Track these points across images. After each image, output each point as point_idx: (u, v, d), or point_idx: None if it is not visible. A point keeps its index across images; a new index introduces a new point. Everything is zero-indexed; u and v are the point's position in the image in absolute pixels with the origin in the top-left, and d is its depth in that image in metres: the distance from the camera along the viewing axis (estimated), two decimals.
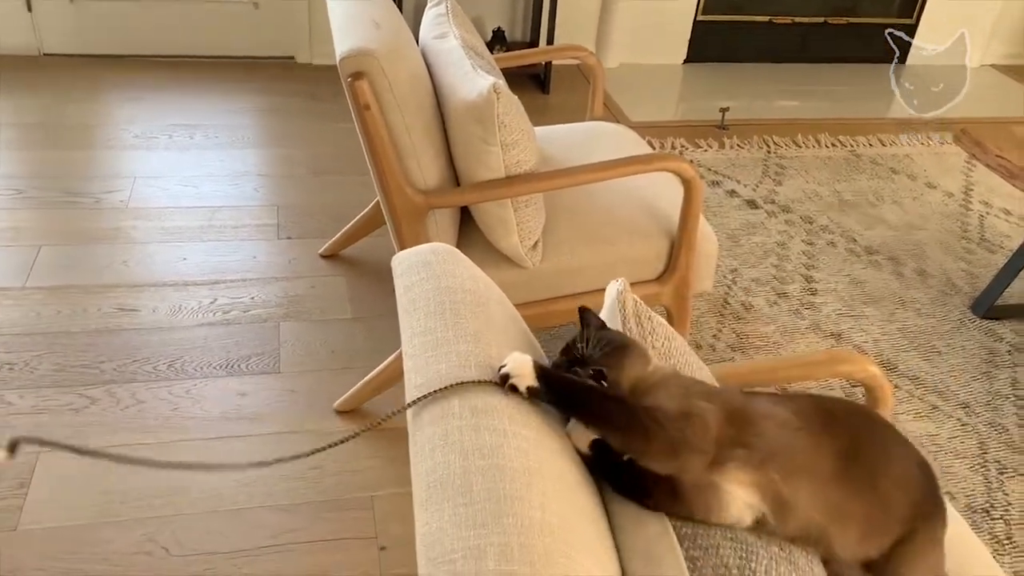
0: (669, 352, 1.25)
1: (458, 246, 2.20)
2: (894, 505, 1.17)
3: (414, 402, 0.92)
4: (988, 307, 2.84)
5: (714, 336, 2.68)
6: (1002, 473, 2.31)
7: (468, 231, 2.20)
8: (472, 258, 2.26)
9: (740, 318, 2.77)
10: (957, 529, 1.49)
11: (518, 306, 2.23)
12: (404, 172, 1.96)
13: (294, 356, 2.44)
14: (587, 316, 1.15)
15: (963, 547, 1.47)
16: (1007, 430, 2.45)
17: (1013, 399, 2.56)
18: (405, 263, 1.16)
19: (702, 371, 1.26)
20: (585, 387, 0.96)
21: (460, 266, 1.16)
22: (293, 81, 4.12)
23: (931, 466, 1.28)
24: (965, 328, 2.81)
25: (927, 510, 1.25)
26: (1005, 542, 2.12)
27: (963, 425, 2.45)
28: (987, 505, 2.22)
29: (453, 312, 1.04)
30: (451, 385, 0.91)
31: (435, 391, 0.91)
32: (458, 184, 2.06)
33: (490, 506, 0.77)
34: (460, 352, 0.97)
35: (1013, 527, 2.17)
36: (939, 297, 2.94)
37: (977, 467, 2.33)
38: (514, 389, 0.93)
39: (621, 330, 1.26)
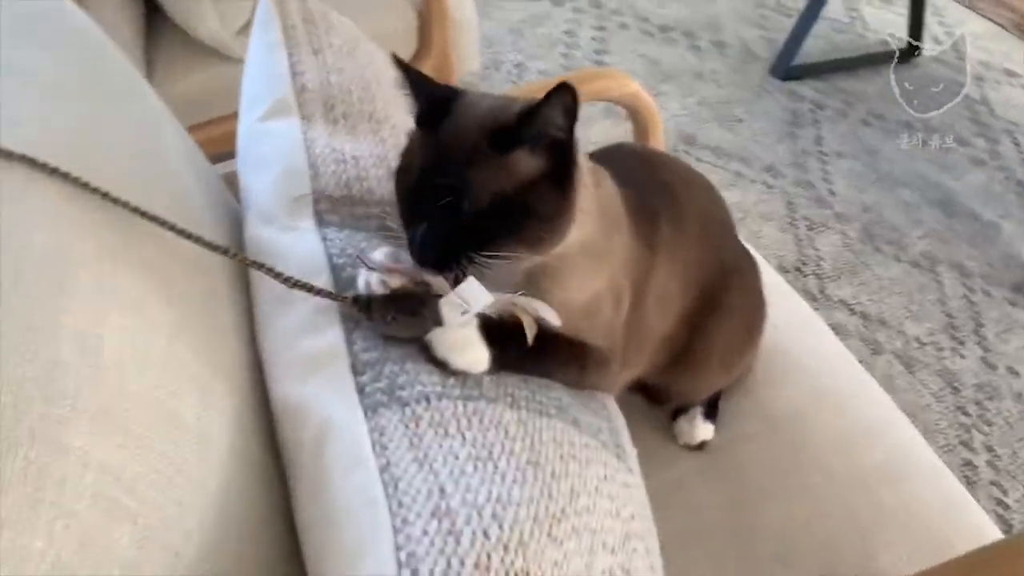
0: (354, 52, 0.92)
1: (148, 47, 1.75)
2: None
3: None
4: (787, 68, 2.65)
5: None
6: (811, 229, 2.17)
7: (159, 24, 1.75)
8: (166, 59, 1.82)
9: None
10: (773, 281, 1.27)
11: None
12: None
13: None
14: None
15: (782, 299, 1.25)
16: (813, 186, 2.29)
17: (817, 155, 2.41)
18: None
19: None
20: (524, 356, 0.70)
21: None
22: None
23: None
24: (766, 93, 2.62)
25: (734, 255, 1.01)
26: (818, 296, 1.98)
27: (769, 188, 2.28)
28: (798, 263, 2.07)
29: None
30: None
31: None
32: None
33: None
34: None
35: (824, 280, 2.03)
36: (738, 66, 2.73)
37: (786, 227, 2.17)
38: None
39: (282, 41, 0.90)
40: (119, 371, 0.49)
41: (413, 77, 0.69)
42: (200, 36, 1.68)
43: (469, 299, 0.64)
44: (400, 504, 0.53)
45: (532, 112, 0.64)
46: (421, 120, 0.69)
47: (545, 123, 0.64)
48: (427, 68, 1.93)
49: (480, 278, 0.65)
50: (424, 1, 1.84)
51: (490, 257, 0.64)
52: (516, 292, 0.68)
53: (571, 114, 0.63)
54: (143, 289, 0.57)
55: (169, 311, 0.58)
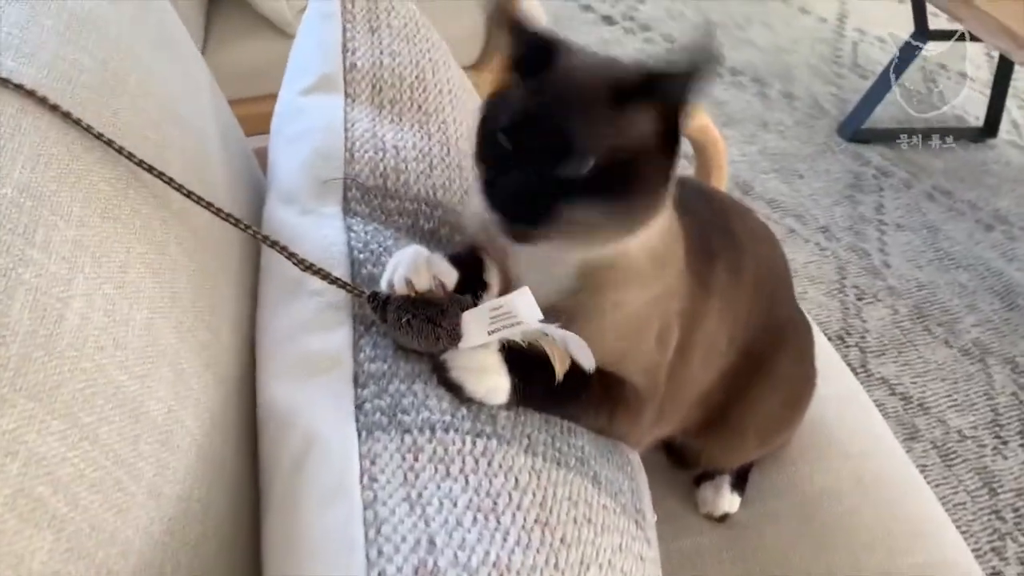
0: (414, 37, 0.85)
1: (209, 13, 1.70)
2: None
3: None
4: (855, 130, 2.56)
5: None
6: (860, 299, 2.06)
7: None
8: (223, 27, 1.77)
9: None
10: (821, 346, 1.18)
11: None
12: None
13: None
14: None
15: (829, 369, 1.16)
16: (868, 255, 2.19)
17: (876, 223, 2.30)
18: None
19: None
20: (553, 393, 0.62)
21: None
22: None
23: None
24: (831, 152, 2.53)
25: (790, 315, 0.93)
26: (859, 370, 1.87)
27: (821, 250, 2.18)
28: (842, 332, 1.96)
29: None
30: None
31: None
32: None
33: None
34: None
35: (867, 355, 1.92)
36: (805, 120, 2.64)
37: (834, 293, 2.06)
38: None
39: (339, 13, 0.84)
40: (77, 345, 0.42)
41: (513, 17, 0.61)
42: (262, 10, 1.62)
43: (521, 310, 0.56)
44: (380, 552, 0.44)
45: (665, 72, 0.57)
46: (517, 65, 0.61)
47: (675, 86, 0.56)
48: (489, 78, 1.86)
49: (534, 255, 0.60)
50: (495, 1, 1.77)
51: (579, 221, 0.56)
52: (566, 295, 0.61)
53: (703, 82, 0.56)
54: (131, 253, 0.50)
55: (156, 283, 0.51)
